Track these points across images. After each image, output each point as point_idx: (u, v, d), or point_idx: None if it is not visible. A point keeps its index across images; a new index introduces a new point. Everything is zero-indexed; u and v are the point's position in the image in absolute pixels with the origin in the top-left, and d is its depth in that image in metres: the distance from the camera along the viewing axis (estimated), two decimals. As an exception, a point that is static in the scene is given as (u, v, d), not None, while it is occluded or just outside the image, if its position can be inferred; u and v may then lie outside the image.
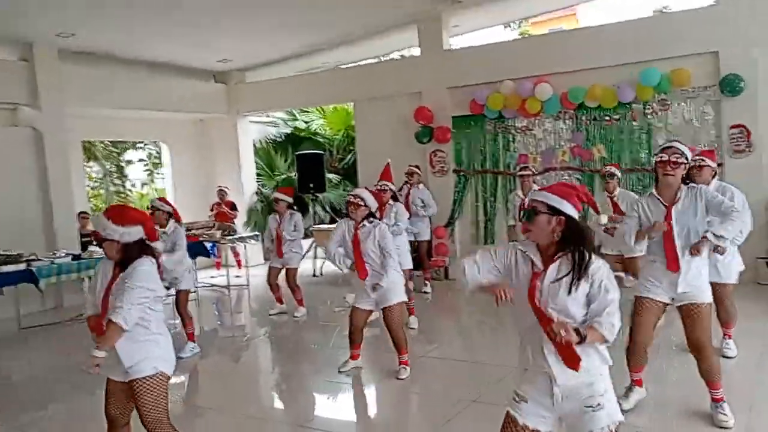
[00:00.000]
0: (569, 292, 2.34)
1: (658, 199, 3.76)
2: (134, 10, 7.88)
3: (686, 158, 3.70)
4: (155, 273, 3.08)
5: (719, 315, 4.64)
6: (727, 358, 4.85)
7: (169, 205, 6.09)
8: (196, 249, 8.74)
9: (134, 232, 3.05)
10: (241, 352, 6.71)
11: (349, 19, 9.40)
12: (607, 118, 8.45)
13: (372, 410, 4.90)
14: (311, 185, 10.83)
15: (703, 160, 4.55)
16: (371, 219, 5.02)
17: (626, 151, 8.36)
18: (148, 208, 6.49)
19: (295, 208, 7.60)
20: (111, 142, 15.15)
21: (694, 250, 3.62)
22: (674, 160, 3.63)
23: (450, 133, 9.47)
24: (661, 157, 3.67)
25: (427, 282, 8.42)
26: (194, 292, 9.07)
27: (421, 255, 8.24)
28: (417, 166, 8.44)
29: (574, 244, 2.37)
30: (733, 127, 7.69)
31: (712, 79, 7.79)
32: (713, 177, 4.65)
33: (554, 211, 2.39)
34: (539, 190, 2.58)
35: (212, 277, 10.48)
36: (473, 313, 7.91)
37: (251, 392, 5.33)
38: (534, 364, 2.46)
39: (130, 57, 10.05)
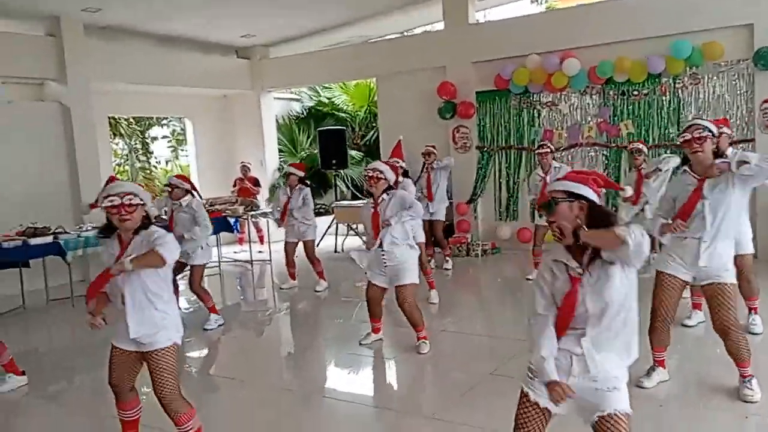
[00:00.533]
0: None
1: (691, 174, 3.70)
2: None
3: (711, 131, 3.63)
4: (175, 243, 3.07)
5: (741, 288, 4.54)
6: (754, 334, 4.78)
7: (188, 182, 6.13)
8: (219, 224, 8.83)
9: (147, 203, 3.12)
10: (263, 326, 6.78)
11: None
12: (636, 92, 8.26)
13: (390, 382, 4.92)
14: (333, 161, 10.81)
15: (721, 127, 4.54)
16: (389, 191, 4.99)
17: (655, 126, 8.18)
18: (165, 185, 6.53)
19: (307, 183, 7.62)
20: (135, 119, 15.28)
21: (717, 169, 3.55)
22: (698, 135, 3.59)
23: (473, 109, 9.35)
24: (684, 136, 3.64)
25: (447, 258, 8.39)
26: (215, 266, 9.23)
27: (437, 234, 8.19)
28: (433, 146, 8.27)
29: (602, 226, 2.27)
30: (765, 101, 7.45)
31: (746, 52, 7.56)
32: (730, 145, 4.73)
33: (573, 196, 2.33)
34: (555, 180, 2.50)
35: (235, 252, 10.59)
36: (493, 289, 7.90)
37: (273, 364, 5.40)
38: (564, 348, 2.36)
39: (154, 32, 10.09)
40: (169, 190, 6.04)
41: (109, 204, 2.96)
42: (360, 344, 5.28)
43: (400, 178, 6.58)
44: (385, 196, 4.95)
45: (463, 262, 8.84)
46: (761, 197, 7.09)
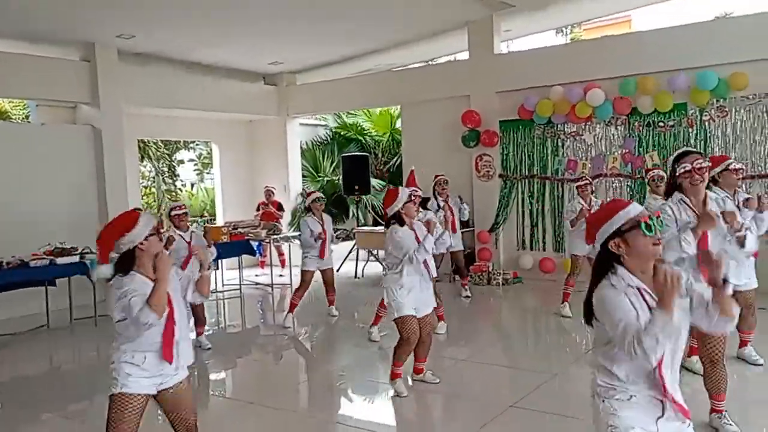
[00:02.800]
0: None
1: (688, 206, 3.59)
2: (191, 14, 8.13)
3: (707, 161, 3.66)
4: None
5: (738, 320, 4.46)
6: (757, 365, 4.79)
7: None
8: (241, 247, 8.92)
9: None
10: (281, 350, 6.77)
11: (401, 25, 9.45)
12: (662, 124, 8.21)
13: (408, 411, 4.86)
14: (356, 187, 10.88)
15: (736, 162, 4.63)
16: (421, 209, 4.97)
17: (680, 158, 8.09)
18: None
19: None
20: (163, 142, 15.59)
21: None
22: (698, 166, 3.53)
23: (497, 137, 9.37)
24: (684, 167, 3.55)
25: (465, 287, 8.29)
26: (236, 289, 9.28)
27: (459, 263, 8.14)
28: (443, 175, 7.98)
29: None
30: (795, 135, 7.35)
31: (774, 86, 7.48)
32: (745, 179, 4.92)
33: None
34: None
35: (256, 275, 10.64)
36: (514, 318, 7.80)
37: (290, 389, 5.37)
38: (649, 393, 2.21)
39: (184, 59, 10.34)
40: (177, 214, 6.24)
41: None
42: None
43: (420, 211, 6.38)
44: (419, 216, 4.93)
45: (484, 290, 8.76)
46: None
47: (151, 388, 2.93)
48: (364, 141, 13.74)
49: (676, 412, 2.19)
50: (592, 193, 6.99)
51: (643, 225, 2.17)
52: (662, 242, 2.24)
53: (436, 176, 7.89)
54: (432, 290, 4.81)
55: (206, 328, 6.63)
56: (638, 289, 2.18)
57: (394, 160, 13.16)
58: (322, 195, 7.49)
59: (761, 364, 4.84)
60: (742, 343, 4.93)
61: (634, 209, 2.25)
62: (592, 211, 6.58)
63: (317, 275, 7.23)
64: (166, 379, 2.95)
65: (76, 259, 7.22)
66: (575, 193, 7.07)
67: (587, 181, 6.97)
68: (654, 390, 2.18)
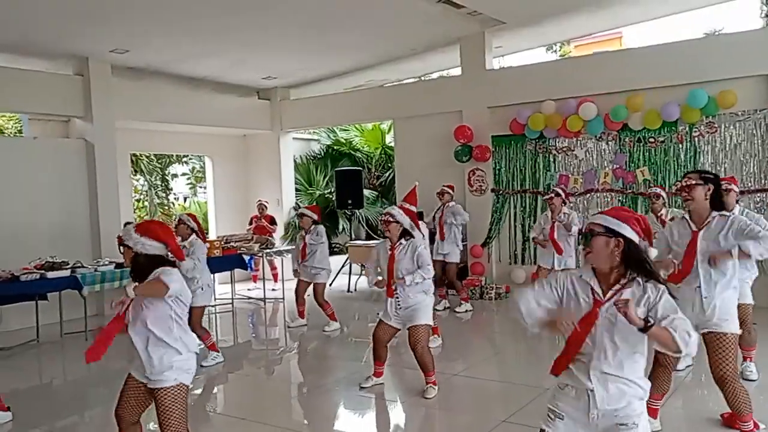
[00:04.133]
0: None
1: (688, 223, 3.68)
2: (185, 29, 8.18)
3: (705, 180, 3.61)
4: (181, 278, 3.17)
5: (740, 337, 4.49)
6: (749, 381, 4.77)
7: (197, 222, 6.22)
8: (233, 261, 8.88)
9: (150, 246, 3.12)
10: (273, 365, 6.74)
11: (394, 40, 9.54)
12: (652, 140, 8.29)
13: (399, 426, 4.84)
14: (349, 201, 10.90)
15: (729, 184, 4.62)
16: (407, 236, 5.01)
17: (671, 174, 8.16)
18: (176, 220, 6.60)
19: (320, 224, 7.70)
20: (155, 156, 15.57)
21: (713, 260, 3.54)
22: (688, 183, 3.58)
23: (489, 152, 9.43)
24: (676, 185, 3.64)
25: (462, 302, 8.32)
26: (228, 303, 9.25)
27: (450, 276, 8.18)
28: (450, 186, 8.36)
29: (635, 268, 2.35)
30: (784, 151, 7.44)
31: (762, 102, 7.58)
32: (736, 203, 4.85)
33: (612, 233, 2.37)
34: (598, 213, 2.54)
35: (248, 289, 10.60)
36: (506, 333, 7.79)
37: (281, 405, 5.34)
38: (576, 382, 2.43)
39: (178, 73, 10.37)
40: (177, 224, 6.12)
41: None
42: (360, 388, 5.21)
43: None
44: (403, 241, 4.98)
45: (477, 305, 8.76)
46: None
47: (141, 376, 3.16)
48: (357, 155, 13.79)
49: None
50: (563, 205, 7.06)
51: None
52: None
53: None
54: (404, 303, 4.92)
55: (197, 342, 6.56)
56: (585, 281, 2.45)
57: (387, 174, 13.19)
58: (308, 211, 7.66)
59: (753, 380, 4.85)
60: (743, 359, 4.92)
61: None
62: (558, 225, 6.73)
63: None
64: (141, 377, 3.16)
65: (66, 273, 7.17)
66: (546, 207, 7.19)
67: (552, 194, 7.07)
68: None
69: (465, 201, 9.57)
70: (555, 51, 18.59)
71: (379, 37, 9.31)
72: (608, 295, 2.36)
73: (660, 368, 3.76)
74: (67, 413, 5.12)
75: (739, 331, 3.65)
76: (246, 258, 9.23)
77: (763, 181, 7.70)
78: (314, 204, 11.37)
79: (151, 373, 3.09)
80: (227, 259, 8.89)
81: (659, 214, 6.39)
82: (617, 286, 2.36)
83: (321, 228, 7.56)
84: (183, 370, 3.15)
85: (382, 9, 7.90)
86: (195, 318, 6.05)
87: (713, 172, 3.86)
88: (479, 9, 8.34)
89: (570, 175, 8.92)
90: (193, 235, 6.07)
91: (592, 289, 2.41)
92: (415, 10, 8.00)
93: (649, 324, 2.19)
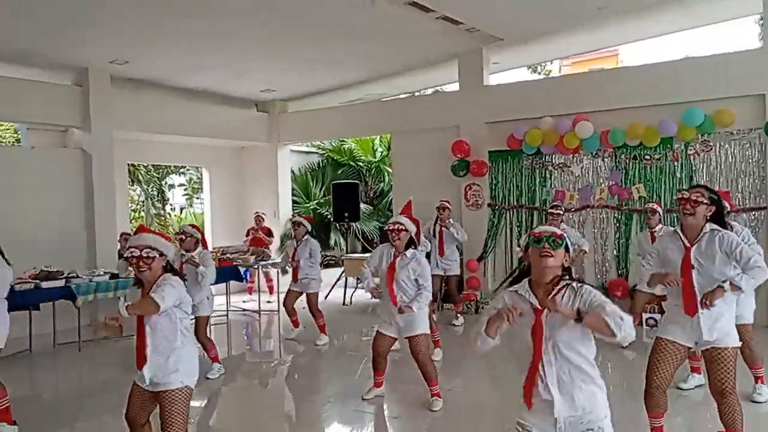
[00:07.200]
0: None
1: (680, 238, 3.65)
2: (185, 42, 8.23)
3: (711, 199, 3.60)
4: (182, 285, 3.29)
5: (743, 355, 4.47)
6: (757, 402, 4.71)
7: (201, 233, 6.22)
8: (228, 273, 8.86)
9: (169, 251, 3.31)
10: (267, 378, 6.71)
11: (392, 55, 9.60)
12: (648, 157, 8.33)
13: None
14: (346, 214, 10.91)
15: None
16: (413, 247, 5.01)
17: (666, 191, 8.20)
18: (177, 233, 6.59)
19: (313, 235, 7.71)
20: (153, 166, 15.59)
21: (706, 300, 3.48)
22: (695, 198, 3.54)
23: (486, 167, 9.46)
24: (683, 194, 3.60)
25: (458, 315, 8.32)
26: (223, 315, 9.22)
27: (451, 289, 8.17)
28: (448, 201, 8.33)
29: (569, 274, 2.60)
30: (778, 170, 7.48)
31: (758, 122, 7.63)
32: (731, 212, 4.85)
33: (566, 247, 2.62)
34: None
35: (244, 301, 10.57)
36: (502, 347, 7.76)
37: (274, 419, 5.31)
38: (537, 394, 2.55)
39: (177, 85, 10.41)
40: (182, 238, 6.09)
41: (130, 255, 3.20)
42: (362, 399, 5.21)
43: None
44: (408, 253, 4.96)
45: (472, 319, 8.74)
46: None
47: (143, 383, 3.28)
48: (355, 165, 13.83)
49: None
50: (562, 221, 7.06)
51: (531, 238, 2.57)
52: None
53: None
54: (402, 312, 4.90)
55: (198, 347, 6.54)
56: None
57: (382, 186, 13.24)
58: (303, 220, 7.67)
59: (759, 402, 4.76)
60: (754, 380, 4.86)
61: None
62: None
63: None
64: (142, 382, 3.28)
65: (61, 283, 7.15)
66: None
67: (559, 211, 7.06)
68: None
69: (461, 215, 9.59)
70: (539, 72, 18.81)
71: (378, 52, 9.37)
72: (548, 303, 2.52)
73: (652, 388, 3.70)
74: (60, 424, 5.08)
75: (738, 344, 3.62)
76: (241, 270, 9.21)
77: (758, 199, 7.74)
78: (309, 216, 11.39)
79: (157, 376, 3.21)
80: (223, 271, 8.83)
81: (654, 230, 6.43)
82: (557, 293, 2.52)
83: (314, 244, 7.56)
84: (187, 372, 3.28)
85: (381, 24, 7.96)
86: (200, 327, 6.05)
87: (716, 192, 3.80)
88: (477, 26, 8.42)
89: (566, 191, 8.95)
90: (200, 246, 6.07)
91: (530, 302, 2.56)
92: (414, 26, 8.07)
93: (582, 314, 2.38)
